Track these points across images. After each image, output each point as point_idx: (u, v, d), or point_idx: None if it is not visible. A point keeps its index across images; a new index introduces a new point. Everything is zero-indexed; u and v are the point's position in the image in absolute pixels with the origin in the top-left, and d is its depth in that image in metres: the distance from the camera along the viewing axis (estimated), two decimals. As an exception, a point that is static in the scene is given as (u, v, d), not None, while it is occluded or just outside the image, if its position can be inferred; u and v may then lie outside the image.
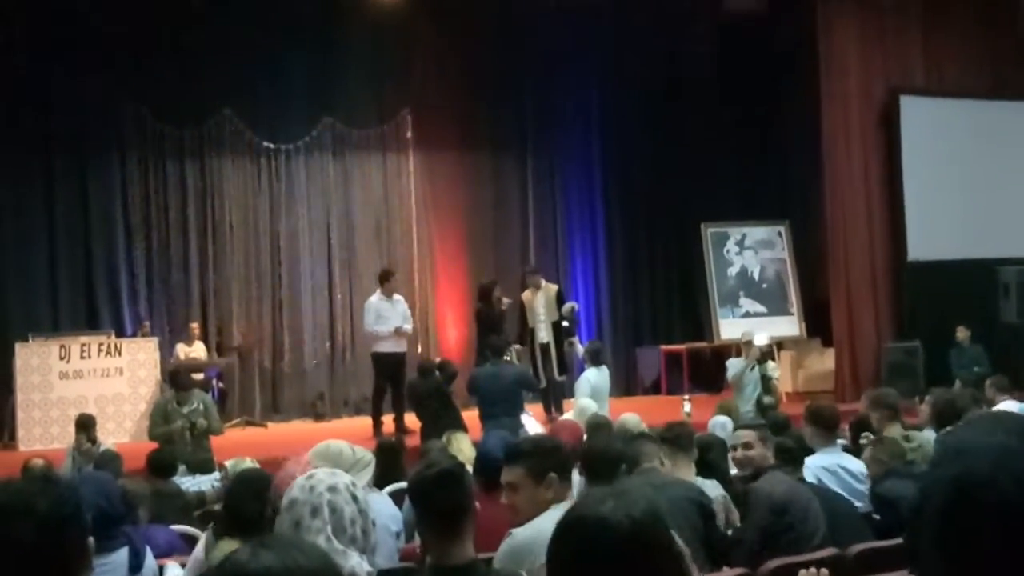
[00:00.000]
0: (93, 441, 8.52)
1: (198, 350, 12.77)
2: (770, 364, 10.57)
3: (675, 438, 5.38)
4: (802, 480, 5.21)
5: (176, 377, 9.60)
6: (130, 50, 12.84)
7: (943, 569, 1.42)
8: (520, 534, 3.46)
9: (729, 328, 13.52)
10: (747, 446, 5.33)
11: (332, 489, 2.58)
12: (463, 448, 6.38)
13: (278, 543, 1.56)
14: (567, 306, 12.13)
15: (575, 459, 4.98)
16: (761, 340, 11.08)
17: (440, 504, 2.96)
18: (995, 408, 7.39)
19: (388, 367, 11.41)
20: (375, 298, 11.68)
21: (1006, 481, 1.39)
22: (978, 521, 1.38)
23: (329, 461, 4.46)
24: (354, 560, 2.53)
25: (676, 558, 1.63)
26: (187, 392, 9.18)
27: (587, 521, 1.55)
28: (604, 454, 4.38)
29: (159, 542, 4.78)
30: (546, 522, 3.47)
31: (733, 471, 6.21)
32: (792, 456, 5.36)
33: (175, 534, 5.13)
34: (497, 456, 4.80)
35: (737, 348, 11.31)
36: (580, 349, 11.73)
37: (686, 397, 11.02)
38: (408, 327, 11.69)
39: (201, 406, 9.10)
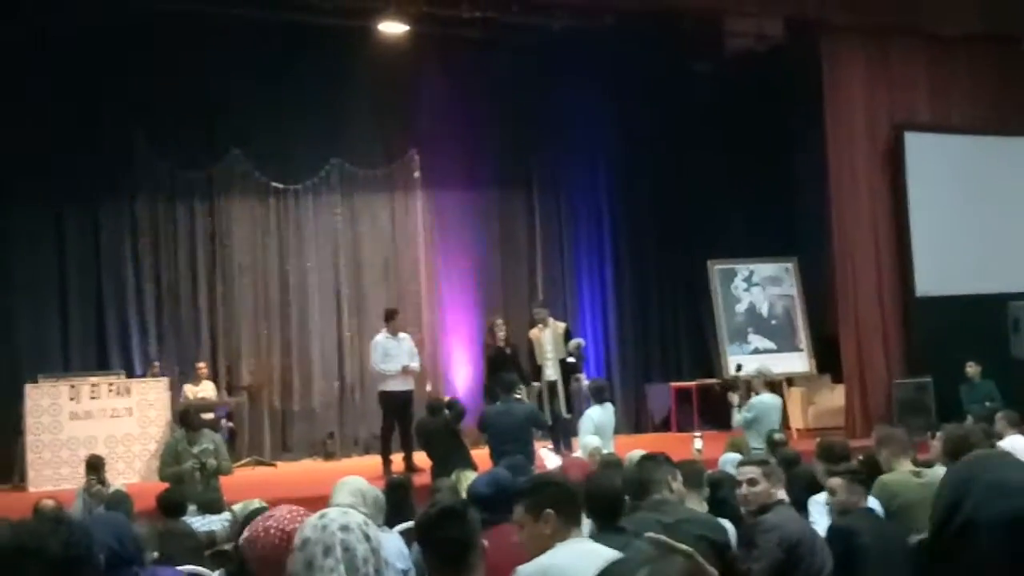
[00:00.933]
0: (103, 482, 8.51)
1: (206, 390, 12.78)
2: (758, 396, 10.42)
3: (685, 476, 5.34)
4: (866, 509, 5.15)
5: (186, 417, 9.58)
6: (139, 92, 12.94)
7: None
8: (524, 571, 3.44)
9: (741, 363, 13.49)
10: (751, 482, 5.08)
11: (345, 528, 2.57)
12: (472, 486, 6.35)
13: None
14: (573, 343, 12.12)
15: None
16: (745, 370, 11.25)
17: (443, 541, 2.95)
18: (1002, 442, 7.35)
19: (395, 405, 11.42)
20: (381, 336, 11.74)
21: None
22: None
23: (357, 497, 4.49)
24: (366, 599, 2.53)
25: None
26: (197, 432, 9.17)
27: None
28: (605, 494, 4.32)
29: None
30: (550, 559, 3.45)
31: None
32: (860, 479, 5.29)
33: (182, 575, 5.12)
34: (482, 493, 4.77)
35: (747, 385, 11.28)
36: (586, 385, 11.71)
37: (697, 434, 10.96)
38: (415, 365, 11.73)
39: (211, 446, 9.09)
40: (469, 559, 2.93)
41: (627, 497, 5.45)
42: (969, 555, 1.57)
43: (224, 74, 13.13)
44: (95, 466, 8.62)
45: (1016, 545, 1.52)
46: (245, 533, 2.84)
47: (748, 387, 10.74)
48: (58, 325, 12.94)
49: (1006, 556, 1.53)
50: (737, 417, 10.21)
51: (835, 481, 5.20)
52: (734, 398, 10.72)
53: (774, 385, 11.74)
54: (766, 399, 10.34)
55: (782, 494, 5.17)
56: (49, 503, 6.84)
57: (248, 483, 10.53)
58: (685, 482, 5.23)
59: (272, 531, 2.75)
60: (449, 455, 9.25)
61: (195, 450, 8.94)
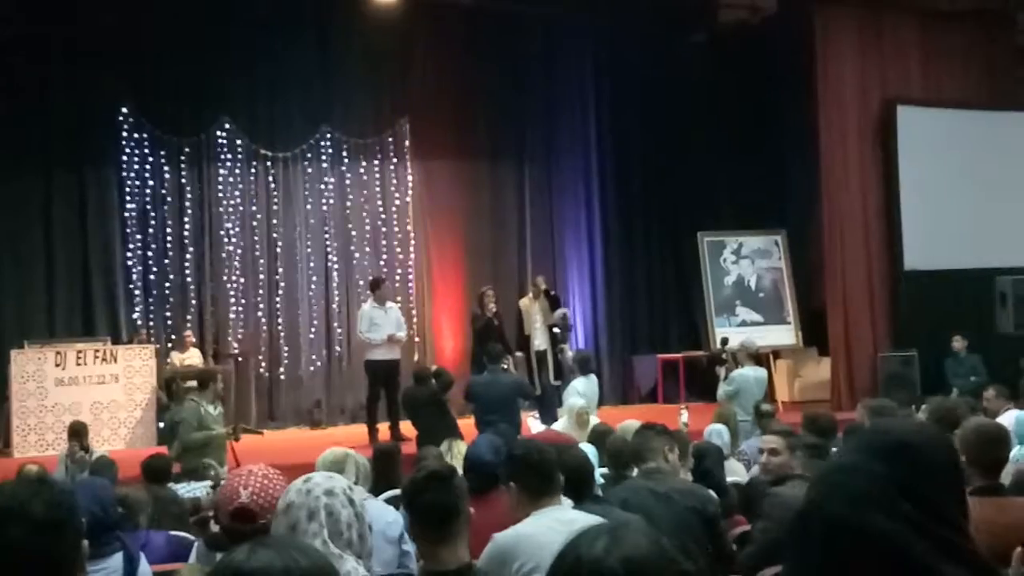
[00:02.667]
0: (86, 449, 8.46)
1: (193, 357, 12.73)
2: (740, 369, 10.55)
3: (671, 444, 5.35)
4: None
5: (202, 376, 9.47)
6: (129, 58, 12.85)
7: None
8: (501, 538, 3.47)
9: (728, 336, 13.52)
10: (773, 452, 5.10)
11: (329, 493, 2.57)
12: (463, 455, 6.35)
13: (277, 543, 1.56)
14: (557, 313, 12.12)
15: None
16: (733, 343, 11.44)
17: (428, 505, 2.95)
18: (998, 419, 7.34)
19: (381, 374, 11.41)
20: (368, 306, 11.72)
21: (831, 502, 1.51)
22: (811, 543, 1.51)
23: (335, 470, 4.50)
24: (350, 564, 2.53)
25: None
26: (212, 386, 9.13)
27: (582, 567, 1.51)
28: (572, 469, 4.30)
29: (160, 547, 4.82)
30: (526, 527, 3.49)
31: (730, 479, 6.22)
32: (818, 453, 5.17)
33: (176, 539, 5.15)
34: (486, 459, 4.78)
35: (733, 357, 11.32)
36: (570, 356, 11.72)
37: (683, 406, 11.00)
38: (402, 334, 11.71)
39: (218, 412, 9.08)
40: (453, 524, 2.93)
41: (607, 468, 5.48)
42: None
43: (214, 40, 13.02)
44: (78, 432, 8.57)
45: (795, 536, 1.54)
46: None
47: (735, 360, 10.79)
48: (44, 291, 12.87)
49: (790, 547, 1.55)
50: (720, 390, 10.31)
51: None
52: (721, 371, 10.77)
53: (760, 358, 11.78)
54: (747, 372, 10.41)
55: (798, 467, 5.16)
56: (32, 468, 6.82)
57: (235, 451, 10.49)
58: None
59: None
60: (435, 425, 9.23)
61: (215, 413, 8.91)
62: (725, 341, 11.84)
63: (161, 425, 11.95)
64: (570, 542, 1.55)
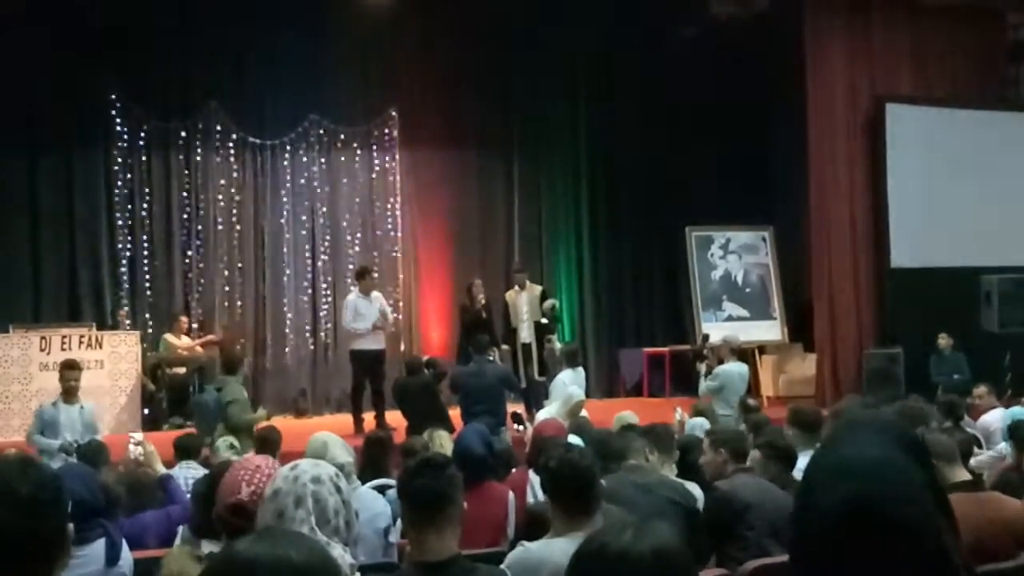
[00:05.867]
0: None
1: (185, 344, 12.72)
2: (724, 364, 10.54)
3: (657, 439, 5.37)
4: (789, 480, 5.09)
5: (230, 360, 9.35)
6: (117, 42, 12.80)
7: None
8: (534, 550, 3.33)
9: (711, 332, 13.54)
10: (703, 452, 5.30)
11: (316, 480, 2.56)
12: (444, 445, 6.36)
13: (274, 536, 1.54)
14: (547, 303, 12.10)
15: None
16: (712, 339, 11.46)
17: (419, 490, 2.94)
18: (984, 416, 7.39)
19: (366, 364, 11.38)
20: (353, 296, 11.67)
21: (901, 496, 1.44)
22: (881, 539, 1.42)
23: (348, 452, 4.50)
24: (337, 552, 2.52)
25: None
26: (240, 370, 9.06)
27: (608, 552, 1.53)
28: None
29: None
30: (558, 544, 3.30)
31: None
32: (779, 454, 5.12)
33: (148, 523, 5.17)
34: (476, 450, 4.79)
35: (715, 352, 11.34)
36: (558, 347, 11.71)
37: (678, 407, 11.00)
38: (389, 322, 11.68)
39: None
40: (446, 511, 2.92)
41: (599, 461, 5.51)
42: (809, 544, 1.50)
43: (203, 27, 12.99)
44: (72, 367, 8.64)
45: (846, 530, 1.44)
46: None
47: (717, 355, 10.81)
48: (30, 276, 12.85)
49: (839, 542, 1.45)
50: (703, 385, 10.30)
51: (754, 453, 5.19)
52: (702, 367, 10.77)
53: (743, 353, 11.80)
54: (731, 367, 10.41)
55: (753, 459, 5.18)
56: (13, 451, 6.80)
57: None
58: (657, 446, 5.28)
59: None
60: (427, 415, 9.21)
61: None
62: (706, 337, 11.87)
63: (146, 412, 11.96)
64: (591, 536, 1.57)
